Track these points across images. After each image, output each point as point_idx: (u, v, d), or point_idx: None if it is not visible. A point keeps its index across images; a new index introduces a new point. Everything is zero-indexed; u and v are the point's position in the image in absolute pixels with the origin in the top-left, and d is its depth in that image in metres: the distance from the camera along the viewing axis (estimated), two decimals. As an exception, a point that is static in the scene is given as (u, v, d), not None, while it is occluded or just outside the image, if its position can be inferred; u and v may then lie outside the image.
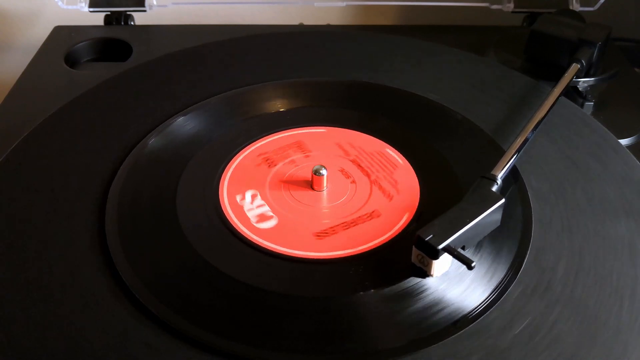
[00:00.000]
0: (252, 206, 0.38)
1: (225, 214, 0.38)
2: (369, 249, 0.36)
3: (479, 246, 0.36)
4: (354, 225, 0.38)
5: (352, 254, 0.36)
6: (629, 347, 0.31)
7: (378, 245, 0.37)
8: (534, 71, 0.52)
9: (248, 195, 0.39)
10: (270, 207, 0.39)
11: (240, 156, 0.42)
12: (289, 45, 0.55)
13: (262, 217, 0.38)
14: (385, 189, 0.40)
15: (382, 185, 0.41)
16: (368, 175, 0.42)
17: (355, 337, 0.32)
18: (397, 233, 0.37)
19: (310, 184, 0.41)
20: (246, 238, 0.37)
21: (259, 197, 0.39)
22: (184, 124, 0.45)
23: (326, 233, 0.37)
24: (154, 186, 0.40)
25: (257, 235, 0.37)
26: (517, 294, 0.34)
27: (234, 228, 0.37)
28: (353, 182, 0.41)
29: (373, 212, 0.39)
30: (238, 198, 0.38)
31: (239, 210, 0.38)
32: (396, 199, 0.40)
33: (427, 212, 0.39)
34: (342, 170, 0.42)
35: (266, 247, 0.36)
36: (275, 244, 0.36)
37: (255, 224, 0.37)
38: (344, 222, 0.38)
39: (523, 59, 0.55)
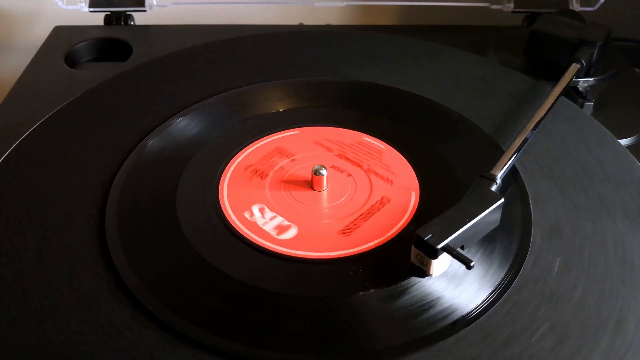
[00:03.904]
0: (265, 220, 0.38)
1: (225, 214, 0.38)
2: (369, 249, 0.36)
3: (482, 246, 0.36)
4: (371, 215, 0.38)
5: (352, 254, 0.36)
6: None
7: (378, 245, 0.37)
8: (534, 71, 0.52)
9: (255, 210, 0.38)
10: (283, 217, 0.39)
11: (228, 172, 0.42)
12: (289, 45, 0.55)
13: (281, 228, 0.38)
14: (382, 175, 0.41)
15: (377, 172, 0.41)
16: (360, 166, 0.42)
17: (355, 337, 0.32)
18: (399, 231, 0.38)
19: (310, 185, 0.41)
20: (246, 238, 0.37)
21: (267, 209, 0.39)
22: (184, 124, 0.45)
23: (349, 228, 0.38)
24: (154, 186, 0.40)
25: (282, 246, 0.37)
26: (513, 298, 0.34)
27: (234, 228, 0.38)
28: (349, 175, 0.42)
29: (382, 198, 0.40)
30: (247, 215, 0.38)
31: (254, 226, 0.38)
32: (396, 181, 0.41)
33: (427, 211, 0.39)
34: (333, 167, 0.42)
35: (266, 247, 0.36)
36: (304, 251, 0.36)
37: (277, 237, 0.37)
38: (361, 215, 0.39)
39: (523, 59, 0.55)
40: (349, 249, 0.36)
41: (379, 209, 0.39)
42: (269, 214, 0.38)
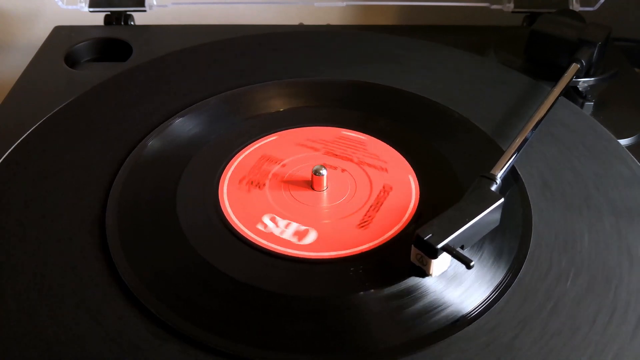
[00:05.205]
0: (281, 228, 0.38)
1: (225, 214, 0.38)
2: (369, 249, 0.36)
3: (479, 246, 0.36)
4: (380, 205, 0.39)
5: (352, 254, 0.36)
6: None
7: (378, 245, 0.37)
8: (534, 71, 0.52)
9: (266, 220, 0.38)
10: (298, 223, 0.38)
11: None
12: (289, 45, 0.55)
13: (300, 234, 0.37)
14: (374, 165, 0.41)
15: (368, 162, 0.42)
16: (351, 160, 0.42)
17: (355, 337, 0.32)
18: (399, 231, 0.38)
19: (311, 185, 0.41)
20: (246, 238, 0.37)
21: (278, 218, 0.39)
22: (184, 124, 0.45)
23: (366, 221, 0.38)
24: (154, 186, 0.40)
25: (303, 251, 0.36)
26: (514, 297, 0.34)
27: (234, 228, 0.38)
28: (343, 170, 0.42)
29: (384, 186, 0.40)
30: (260, 227, 0.38)
31: (273, 237, 0.37)
32: (390, 168, 0.41)
33: (427, 211, 0.39)
34: (325, 165, 0.42)
35: (266, 247, 0.36)
36: (324, 252, 0.36)
37: (298, 243, 0.37)
38: (371, 205, 0.39)
39: (523, 59, 0.55)
40: (349, 249, 0.36)
41: (386, 198, 0.39)
42: (282, 222, 0.38)
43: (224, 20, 0.76)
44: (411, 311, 0.33)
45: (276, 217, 0.39)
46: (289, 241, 0.37)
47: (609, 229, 0.37)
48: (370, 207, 0.39)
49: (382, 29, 0.66)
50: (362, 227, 0.38)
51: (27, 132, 0.44)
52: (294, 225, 0.38)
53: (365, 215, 0.39)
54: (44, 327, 0.32)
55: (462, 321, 0.32)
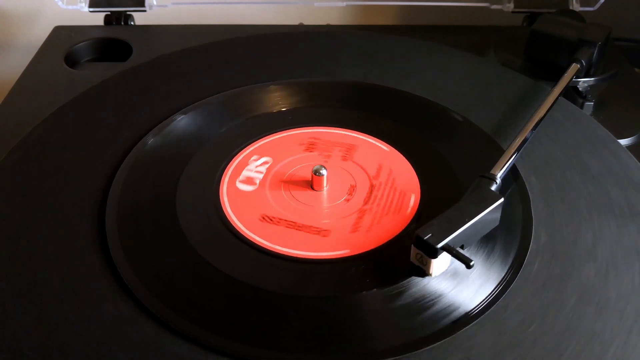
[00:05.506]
0: (252, 168, 0.40)
1: (226, 214, 0.38)
2: (369, 249, 0.36)
3: (484, 244, 0.36)
4: (297, 230, 0.38)
5: (352, 253, 0.36)
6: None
7: (378, 245, 0.37)
8: (534, 71, 0.52)
9: (263, 158, 0.40)
10: (263, 178, 0.40)
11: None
12: (289, 45, 0.55)
13: (248, 181, 0.39)
14: (361, 224, 0.38)
15: (364, 218, 0.39)
16: (365, 203, 0.40)
17: (355, 337, 0.32)
18: (399, 231, 0.37)
19: (310, 184, 0.41)
20: (246, 238, 0.37)
21: (267, 165, 0.40)
22: (184, 124, 0.45)
23: (271, 220, 0.38)
24: (154, 186, 0.40)
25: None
26: (514, 296, 0.34)
27: (234, 228, 0.38)
28: (347, 200, 0.40)
29: (325, 231, 0.38)
30: (254, 158, 0.40)
31: (241, 167, 0.40)
32: (358, 236, 0.37)
33: (427, 211, 0.39)
34: (352, 187, 0.41)
35: (266, 246, 0.36)
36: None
37: (237, 182, 0.39)
38: (294, 223, 0.38)
39: (523, 59, 0.55)
40: (349, 249, 0.36)
41: (308, 233, 0.37)
42: (262, 168, 0.40)
43: (224, 20, 0.76)
44: (411, 311, 0.33)
45: (269, 162, 0.41)
46: (237, 176, 0.40)
47: (609, 228, 0.37)
48: (293, 222, 0.38)
49: (382, 29, 0.66)
50: (263, 220, 0.38)
51: (27, 132, 0.44)
52: (259, 176, 0.40)
53: (278, 219, 0.38)
54: (43, 327, 0.32)
55: (463, 320, 0.32)
